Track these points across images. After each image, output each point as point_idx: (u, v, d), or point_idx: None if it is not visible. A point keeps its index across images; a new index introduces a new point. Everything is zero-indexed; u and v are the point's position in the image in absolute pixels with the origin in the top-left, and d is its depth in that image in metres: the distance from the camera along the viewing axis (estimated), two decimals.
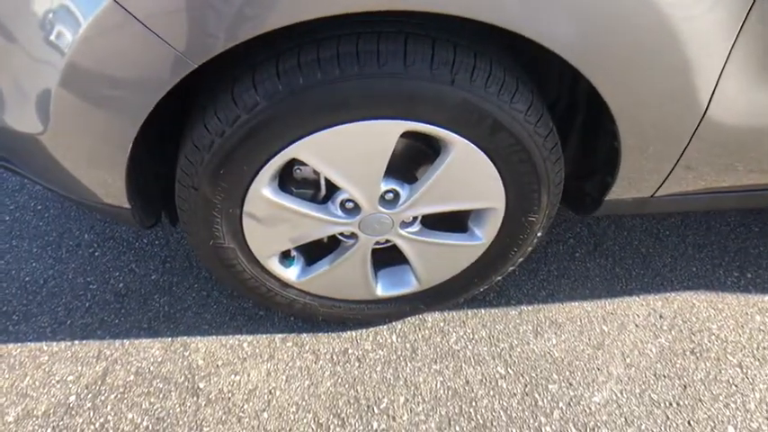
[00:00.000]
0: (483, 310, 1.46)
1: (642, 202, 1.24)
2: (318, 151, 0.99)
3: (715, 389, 1.33)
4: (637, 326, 1.46)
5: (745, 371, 1.37)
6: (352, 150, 1.00)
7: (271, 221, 1.11)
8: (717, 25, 0.93)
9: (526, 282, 1.54)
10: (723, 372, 1.37)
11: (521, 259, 1.28)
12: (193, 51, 0.86)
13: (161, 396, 1.26)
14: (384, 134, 0.98)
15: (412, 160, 1.10)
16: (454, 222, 1.22)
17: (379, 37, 0.91)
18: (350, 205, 1.11)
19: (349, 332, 1.39)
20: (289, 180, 1.09)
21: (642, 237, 1.69)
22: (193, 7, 0.83)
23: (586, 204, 1.27)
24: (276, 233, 1.14)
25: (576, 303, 1.50)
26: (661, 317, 1.48)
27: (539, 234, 1.22)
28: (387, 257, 1.29)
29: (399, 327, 1.41)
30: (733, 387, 1.34)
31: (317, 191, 1.12)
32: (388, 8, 0.84)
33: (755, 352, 1.42)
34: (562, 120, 1.21)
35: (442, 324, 1.43)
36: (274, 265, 1.21)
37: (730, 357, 1.40)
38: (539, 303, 1.49)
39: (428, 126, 0.97)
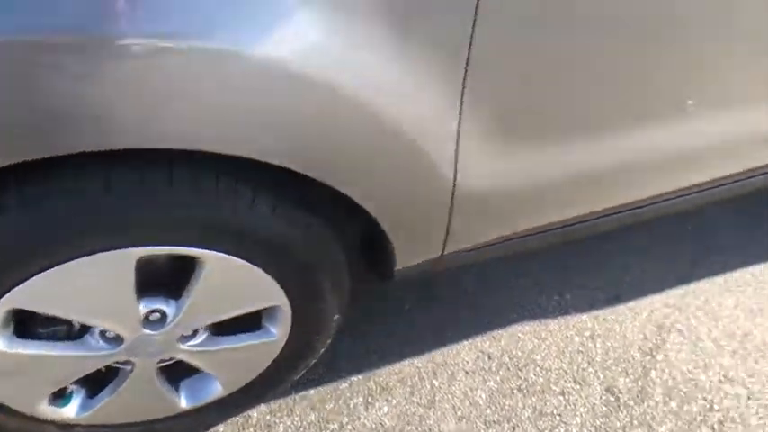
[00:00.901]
0: (312, 391, 1.40)
1: (436, 261, 1.24)
2: (41, 296, 0.88)
3: (541, 423, 1.36)
4: (467, 372, 1.47)
5: (567, 397, 1.42)
6: (84, 286, 0.90)
7: (21, 372, 0.98)
8: (435, 98, 0.93)
9: (355, 347, 1.50)
10: (548, 403, 1.41)
11: (329, 341, 1.24)
12: None
13: None
14: (117, 264, 0.88)
15: (176, 274, 1.02)
16: (251, 320, 1.16)
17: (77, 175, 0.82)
18: (111, 335, 1.01)
19: None
20: (32, 322, 0.97)
21: (468, 277, 1.71)
22: None
23: (386, 274, 1.26)
24: (34, 381, 1.01)
25: (407, 361, 1.48)
26: (489, 357, 1.50)
27: (336, 317, 1.18)
28: (186, 367, 1.20)
29: (222, 429, 1.32)
30: (557, 417, 1.38)
31: (70, 326, 1.00)
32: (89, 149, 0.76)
33: (576, 375, 1.47)
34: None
35: (267, 416, 1.35)
36: (46, 410, 1.07)
37: (553, 386, 1.44)
38: (369, 369, 1.46)
39: (164, 248, 0.90)
